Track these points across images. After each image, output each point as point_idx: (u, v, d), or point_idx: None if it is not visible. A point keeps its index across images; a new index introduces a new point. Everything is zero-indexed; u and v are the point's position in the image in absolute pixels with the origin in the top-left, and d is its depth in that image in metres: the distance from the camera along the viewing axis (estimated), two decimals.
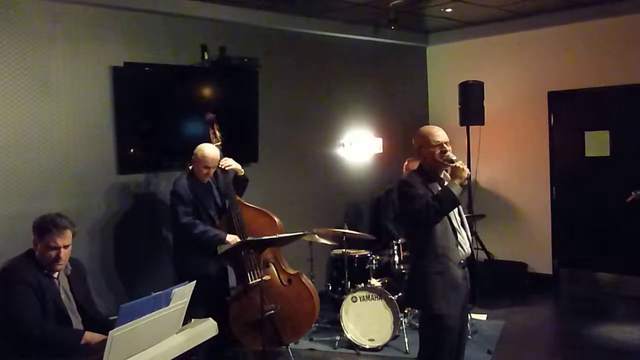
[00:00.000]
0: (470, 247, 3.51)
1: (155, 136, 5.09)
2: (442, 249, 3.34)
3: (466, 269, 3.47)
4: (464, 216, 3.55)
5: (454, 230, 3.41)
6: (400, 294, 5.21)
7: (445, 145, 3.40)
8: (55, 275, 3.25)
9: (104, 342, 2.80)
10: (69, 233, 3.22)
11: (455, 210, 3.45)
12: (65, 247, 3.20)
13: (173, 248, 4.73)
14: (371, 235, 5.68)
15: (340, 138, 6.76)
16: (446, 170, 3.47)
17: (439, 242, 3.35)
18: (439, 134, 3.43)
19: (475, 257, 3.59)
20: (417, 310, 5.39)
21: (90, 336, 3.09)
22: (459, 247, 3.41)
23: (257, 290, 4.40)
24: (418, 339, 5.03)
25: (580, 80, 6.50)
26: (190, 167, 4.56)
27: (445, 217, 3.36)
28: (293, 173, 6.29)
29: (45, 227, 3.18)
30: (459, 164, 3.34)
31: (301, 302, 4.64)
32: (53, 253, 3.16)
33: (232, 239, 4.44)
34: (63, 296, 3.26)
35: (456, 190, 3.29)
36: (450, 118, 6.74)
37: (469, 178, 3.39)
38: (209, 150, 4.49)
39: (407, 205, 3.36)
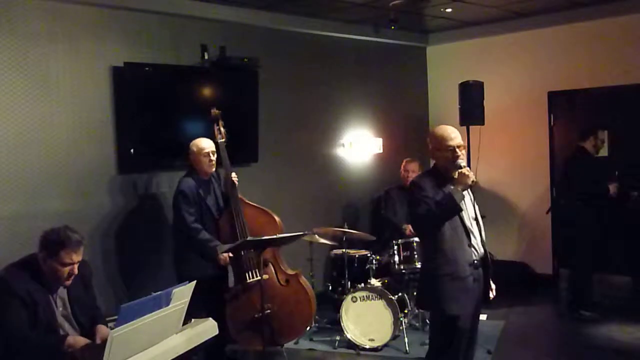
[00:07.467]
0: (484, 246, 3.46)
1: (155, 136, 5.09)
2: (451, 251, 3.32)
3: (480, 269, 3.42)
4: (479, 216, 3.50)
5: (467, 231, 3.35)
6: (399, 294, 5.22)
7: (458, 149, 3.34)
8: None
9: (93, 344, 2.79)
10: (82, 248, 3.09)
11: (471, 210, 3.42)
12: (78, 262, 3.08)
13: (174, 248, 4.72)
14: (371, 235, 5.67)
15: (340, 138, 6.76)
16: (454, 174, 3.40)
17: (448, 243, 3.31)
18: (453, 137, 3.37)
19: (489, 256, 3.50)
20: (419, 311, 5.40)
21: (73, 340, 2.97)
22: (472, 248, 3.36)
23: (254, 289, 4.40)
24: (418, 339, 5.04)
25: (580, 80, 6.50)
26: (190, 166, 4.58)
27: (457, 218, 3.31)
28: (293, 173, 6.29)
29: (60, 243, 3.00)
30: (465, 170, 3.30)
31: (297, 304, 4.63)
32: (67, 269, 3.02)
33: (223, 257, 4.44)
34: (60, 308, 3.13)
35: (458, 197, 3.23)
36: (450, 118, 6.71)
37: (474, 183, 3.32)
38: (202, 140, 4.57)
39: (413, 209, 3.38)
